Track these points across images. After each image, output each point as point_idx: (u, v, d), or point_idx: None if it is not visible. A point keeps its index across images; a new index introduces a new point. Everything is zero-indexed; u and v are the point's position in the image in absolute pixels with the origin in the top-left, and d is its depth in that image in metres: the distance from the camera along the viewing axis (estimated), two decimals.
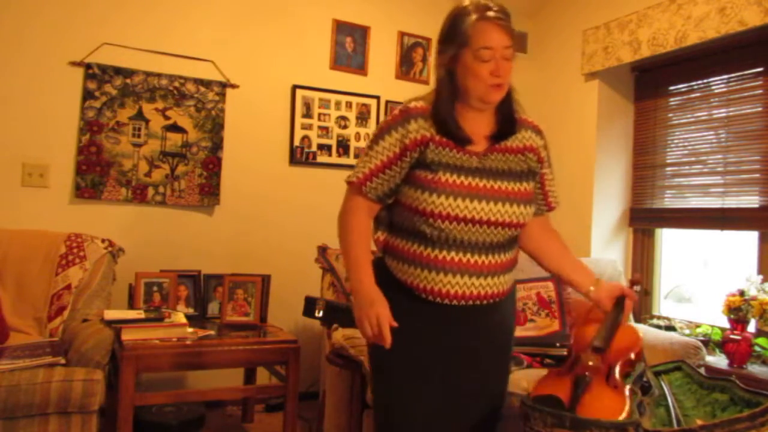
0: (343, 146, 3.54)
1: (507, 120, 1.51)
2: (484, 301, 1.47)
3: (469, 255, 1.43)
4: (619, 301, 1.64)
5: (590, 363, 1.49)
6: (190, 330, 2.45)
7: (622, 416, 1.31)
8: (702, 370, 2.45)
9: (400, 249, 1.48)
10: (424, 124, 1.45)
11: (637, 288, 1.78)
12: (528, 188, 1.51)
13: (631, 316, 3.07)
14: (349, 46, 3.57)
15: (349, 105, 3.55)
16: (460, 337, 1.49)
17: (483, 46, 1.41)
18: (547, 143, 1.61)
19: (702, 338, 2.84)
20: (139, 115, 3.04)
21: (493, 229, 1.44)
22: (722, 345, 2.76)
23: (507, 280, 1.52)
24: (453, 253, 1.42)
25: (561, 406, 1.35)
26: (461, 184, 1.42)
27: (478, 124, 1.49)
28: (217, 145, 3.20)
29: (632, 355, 1.58)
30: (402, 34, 3.67)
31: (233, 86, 3.25)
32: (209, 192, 3.19)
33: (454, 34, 1.44)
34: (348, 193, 1.52)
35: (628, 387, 1.44)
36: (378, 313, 1.37)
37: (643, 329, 2.97)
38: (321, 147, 3.49)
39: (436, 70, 1.51)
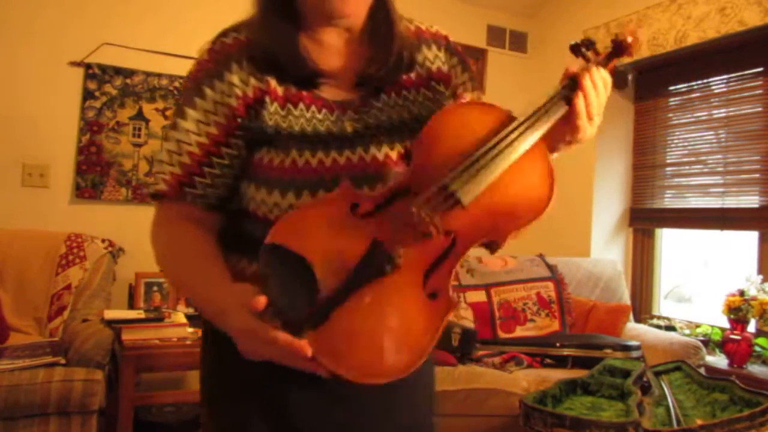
0: None
1: (383, 42, 0.91)
2: None
3: None
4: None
5: (424, 216, 0.72)
6: (190, 330, 2.45)
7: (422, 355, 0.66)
8: (702, 370, 2.45)
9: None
10: (255, 70, 0.87)
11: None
12: None
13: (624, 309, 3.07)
14: None
15: None
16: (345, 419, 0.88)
17: None
18: (467, 60, 1.01)
19: (702, 338, 2.85)
20: (139, 115, 3.04)
21: None
22: (722, 345, 2.76)
23: None
24: None
25: (305, 294, 0.68)
26: (334, 164, 0.85)
27: (346, 59, 0.92)
28: None
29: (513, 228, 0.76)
30: None
31: None
32: None
33: None
34: (158, 211, 0.91)
35: (452, 293, 0.70)
36: (259, 334, 0.68)
37: (643, 329, 2.98)
38: None
39: None
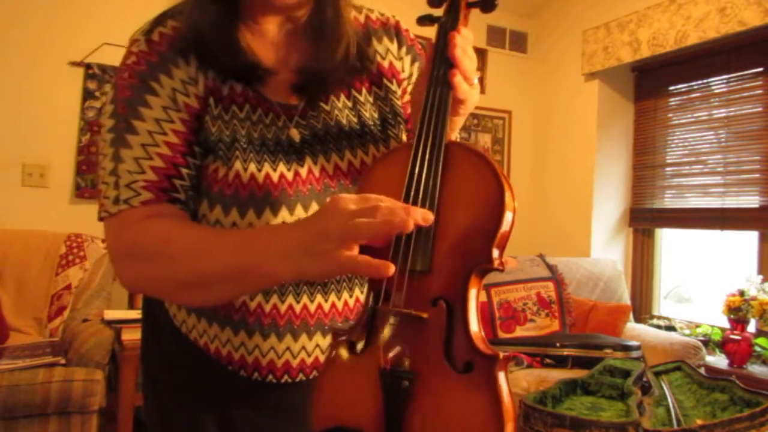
0: None
1: (329, 36, 0.79)
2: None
3: (320, 297, 0.80)
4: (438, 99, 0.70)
5: (406, 311, 0.63)
6: None
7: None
8: (702, 370, 2.45)
9: None
10: (199, 65, 0.77)
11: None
12: None
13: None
14: None
15: None
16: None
17: None
18: (418, 47, 0.91)
19: (702, 338, 2.85)
20: None
21: None
22: (722, 345, 2.76)
23: None
24: (291, 299, 0.78)
25: None
26: (282, 179, 0.76)
27: (289, 54, 0.81)
28: None
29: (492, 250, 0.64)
30: None
31: None
32: None
33: None
34: (122, 220, 0.82)
35: (508, 359, 0.62)
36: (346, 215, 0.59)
37: (643, 329, 2.98)
38: None
39: None
